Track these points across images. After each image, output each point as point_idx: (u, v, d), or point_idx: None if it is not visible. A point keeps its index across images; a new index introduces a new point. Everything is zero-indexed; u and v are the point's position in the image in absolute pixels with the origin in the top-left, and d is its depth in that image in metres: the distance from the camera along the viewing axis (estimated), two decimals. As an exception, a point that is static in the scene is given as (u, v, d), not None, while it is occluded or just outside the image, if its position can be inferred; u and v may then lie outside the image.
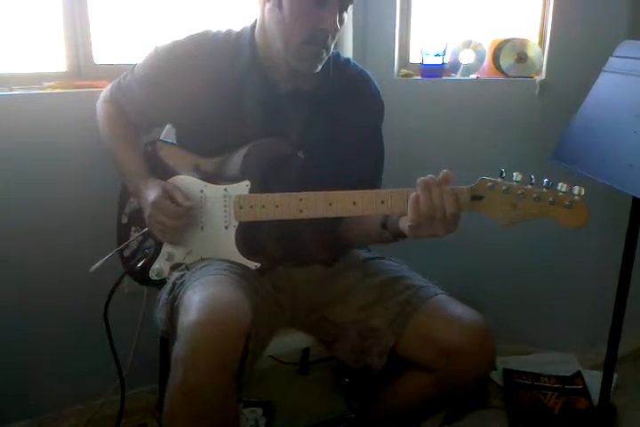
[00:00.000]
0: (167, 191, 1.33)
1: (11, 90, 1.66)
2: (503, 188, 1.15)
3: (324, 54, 1.31)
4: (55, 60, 1.76)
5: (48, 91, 1.69)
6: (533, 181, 1.14)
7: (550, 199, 1.13)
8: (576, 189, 1.12)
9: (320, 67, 1.33)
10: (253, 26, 1.38)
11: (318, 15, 1.26)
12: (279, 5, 1.27)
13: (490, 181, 1.16)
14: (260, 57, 1.37)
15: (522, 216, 1.15)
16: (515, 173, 1.15)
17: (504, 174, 1.16)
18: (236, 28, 1.42)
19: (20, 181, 1.65)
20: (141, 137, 1.52)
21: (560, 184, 1.13)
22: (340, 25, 1.30)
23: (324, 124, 1.38)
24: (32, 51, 1.74)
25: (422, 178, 1.16)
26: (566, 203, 1.12)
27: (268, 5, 1.31)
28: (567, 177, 1.16)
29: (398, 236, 1.28)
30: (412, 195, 1.16)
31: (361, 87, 1.45)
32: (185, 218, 1.33)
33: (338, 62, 1.43)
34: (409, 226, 1.17)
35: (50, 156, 1.66)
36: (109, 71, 1.70)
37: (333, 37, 1.30)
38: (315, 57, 1.30)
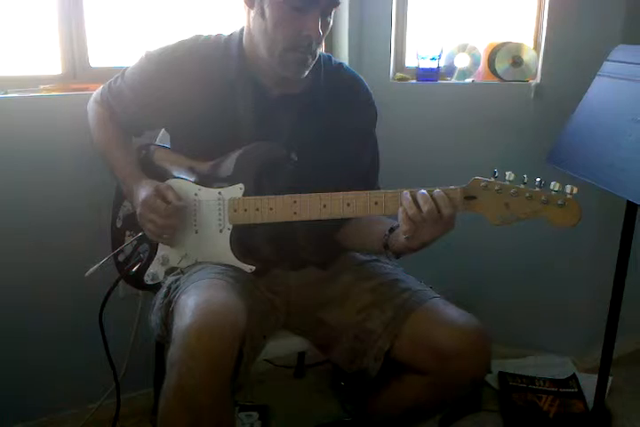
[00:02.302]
0: (159, 191, 1.33)
1: (6, 93, 1.66)
2: (496, 187, 1.15)
3: (310, 60, 1.31)
4: (51, 63, 1.76)
5: (44, 93, 1.69)
6: (526, 180, 1.15)
7: (543, 198, 1.13)
8: (568, 188, 1.12)
9: (306, 73, 1.33)
10: (242, 31, 1.38)
11: (300, 22, 1.25)
12: (262, 14, 1.27)
13: (483, 180, 1.16)
14: (248, 62, 1.37)
15: (514, 216, 1.16)
16: (507, 173, 1.15)
17: (497, 174, 1.16)
18: (226, 32, 1.42)
19: (15, 184, 1.64)
20: (132, 139, 1.53)
21: (553, 183, 1.13)
22: (324, 30, 1.29)
23: (316, 126, 1.38)
24: (28, 54, 1.74)
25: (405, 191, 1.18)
26: (559, 202, 1.13)
27: (252, 13, 1.31)
28: (562, 180, 1.16)
29: (401, 253, 1.29)
30: (400, 207, 1.17)
31: (352, 91, 1.45)
32: (175, 217, 1.33)
33: (329, 66, 1.43)
34: (405, 237, 1.18)
35: (45, 158, 1.66)
36: (105, 74, 1.69)
37: (318, 43, 1.30)
38: (299, 63, 1.30)
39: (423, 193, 1.16)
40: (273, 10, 1.25)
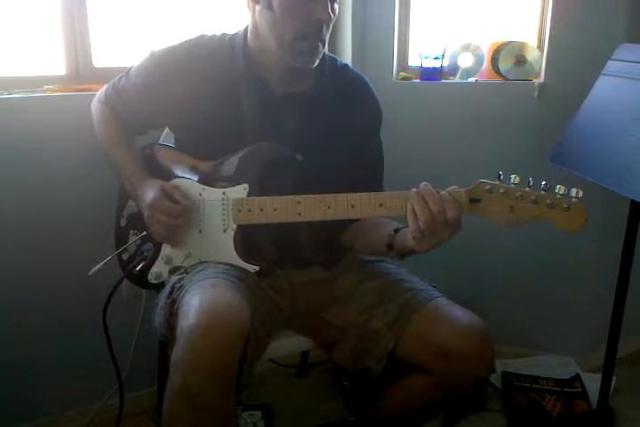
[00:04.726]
0: (166, 191, 1.33)
1: (10, 93, 1.66)
2: (501, 190, 1.15)
3: (320, 48, 1.31)
4: (54, 64, 1.76)
5: (47, 94, 1.70)
6: (531, 183, 1.15)
7: (548, 202, 1.13)
8: (573, 192, 1.12)
9: (317, 62, 1.33)
10: (246, 29, 1.39)
11: (309, 7, 1.26)
12: (269, 6, 1.27)
13: (488, 184, 1.16)
14: (253, 60, 1.37)
15: (519, 219, 1.15)
16: (512, 176, 1.15)
17: (502, 177, 1.16)
18: (231, 31, 1.42)
19: (19, 184, 1.65)
20: (135, 138, 1.53)
21: (558, 187, 1.13)
22: (333, 15, 1.30)
23: (321, 126, 1.38)
24: (31, 54, 1.75)
25: (415, 190, 1.16)
26: (564, 206, 1.12)
27: (257, 8, 1.31)
28: (566, 179, 1.17)
29: (405, 254, 1.28)
30: (409, 205, 1.16)
31: (358, 91, 1.45)
32: (183, 217, 1.33)
33: (335, 67, 1.43)
34: (413, 237, 1.17)
35: (49, 158, 1.66)
36: (108, 74, 1.69)
37: (328, 27, 1.31)
38: (310, 52, 1.30)
39: (432, 192, 1.15)
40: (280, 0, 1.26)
